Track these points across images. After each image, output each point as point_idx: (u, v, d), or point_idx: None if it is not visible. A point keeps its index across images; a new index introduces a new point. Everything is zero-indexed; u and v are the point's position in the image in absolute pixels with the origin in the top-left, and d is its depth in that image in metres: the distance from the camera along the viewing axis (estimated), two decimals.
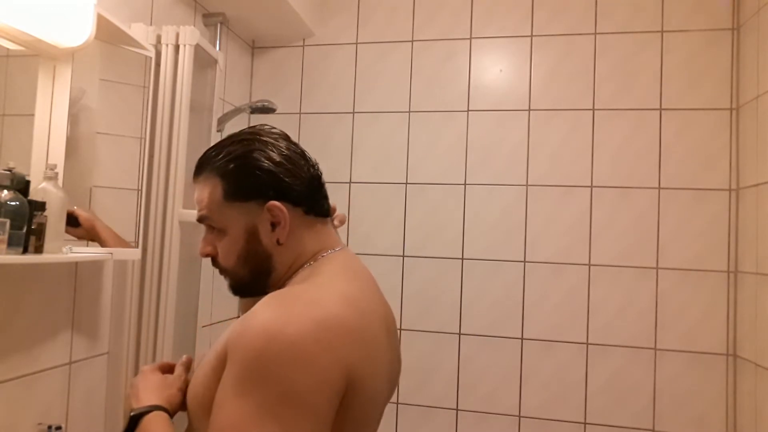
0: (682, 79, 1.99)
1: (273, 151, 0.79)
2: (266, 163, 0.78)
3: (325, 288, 0.74)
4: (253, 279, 0.81)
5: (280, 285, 0.81)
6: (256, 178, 0.77)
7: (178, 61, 1.56)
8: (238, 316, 0.81)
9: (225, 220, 0.79)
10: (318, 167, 0.84)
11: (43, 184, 1.15)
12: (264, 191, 0.77)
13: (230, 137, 0.82)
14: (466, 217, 2.14)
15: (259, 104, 1.97)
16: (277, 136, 0.82)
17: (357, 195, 2.22)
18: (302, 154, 0.82)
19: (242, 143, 0.80)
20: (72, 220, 1.25)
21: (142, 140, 1.49)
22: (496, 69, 2.16)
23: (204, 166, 0.82)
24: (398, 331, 2.15)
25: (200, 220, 0.82)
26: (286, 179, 0.78)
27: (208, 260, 0.85)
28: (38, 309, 1.28)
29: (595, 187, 2.04)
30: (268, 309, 0.68)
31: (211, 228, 0.82)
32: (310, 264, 0.80)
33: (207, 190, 0.80)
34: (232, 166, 0.78)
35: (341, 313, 0.69)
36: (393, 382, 0.86)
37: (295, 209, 0.79)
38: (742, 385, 1.85)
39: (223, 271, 0.83)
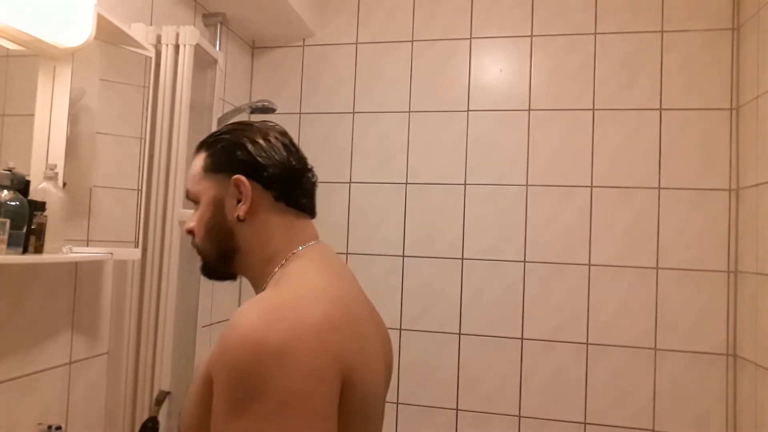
0: (682, 79, 1.99)
1: (257, 135, 0.82)
2: (245, 141, 0.80)
3: (299, 286, 0.72)
4: (218, 257, 0.82)
5: (255, 282, 0.82)
6: (232, 153, 0.80)
7: (178, 61, 1.56)
8: None
9: (199, 191, 0.82)
10: (305, 163, 0.84)
11: (43, 184, 1.15)
12: (236, 166, 0.79)
13: (227, 124, 0.87)
14: (466, 217, 2.13)
15: (259, 104, 1.98)
16: (272, 125, 0.85)
17: (357, 195, 2.22)
18: (288, 146, 0.83)
19: (234, 124, 0.85)
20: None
21: (142, 140, 1.49)
22: (496, 69, 2.16)
23: (200, 145, 0.86)
24: (398, 331, 2.15)
25: (186, 194, 0.86)
26: (260, 159, 0.79)
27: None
28: (38, 309, 1.28)
29: (595, 187, 2.04)
30: (244, 321, 0.65)
31: (194, 204, 0.85)
32: (282, 265, 0.79)
33: (194, 163, 0.84)
34: (215, 141, 0.83)
35: (322, 309, 0.68)
36: (388, 370, 0.85)
37: (266, 192, 0.80)
38: (742, 385, 1.85)
39: (196, 248, 0.85)
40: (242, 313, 0.67)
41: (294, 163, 0.82)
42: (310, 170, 0.85)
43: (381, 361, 0.78)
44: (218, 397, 0.64)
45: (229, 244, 0.80)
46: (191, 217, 0.85)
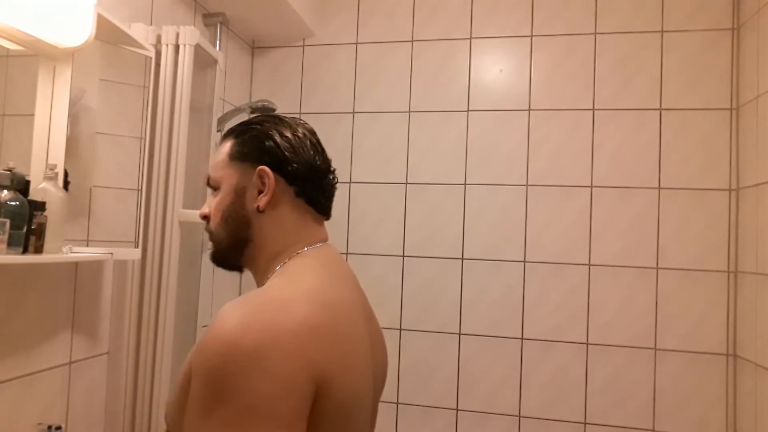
0: (682, 79, 1.99)
1: (287, 129, 0.82)
2: (274, 133, 0.81)
3: (290, 286, 0.72)
4: (230, 245, 0.82)
5: (258, 276, 0.82)
6: (260, 144, 0.80)
7: (178, 61, 1.56)
8: None
9: (221, 177, 0.82)
10: (329, 164, 0.85)
11: (43, 184, 1.15)
12: (261, 157, 0.80)
13: (259, 115, 0.87)
14: (466, 217, 2.13)
15: (259, 104, 1.97)
16: (302, 122, 0.86)
17: (357, 195, 2.22)
18: (315, 145, 0.84)
19: (266, 116, 0.86)
20: None
21: (142, 140, 1.49)
22: (496, 69, 2.16)
23: (229, 131, 0.86)
24: (398, 331, 2.15)
25: (207, 180, 0.86)
26: (286, 153, 0.80)
27: (209, 260, 0.87)
28: (38, 309, 1.28)
29: (595, 187, 2.04)
30: (223, 320, 0.65)
31: (213, 190, 0.84)
32: (285, 263, 0.79)
33: (221, 149, 0.84)
34: (245, 130, 0.83)
35: (305, 313, 0.67)
36: (381, 377, 0.84)
37: (288, 187, 0.80)
38: (742, 385, 1.85)
39: (209, 234, 0.85)
40: (225, 311, 0.67)
41: (319, 162, 0.83)
42: (333, 172, 0.85)
43: (370, 367, 0.76)
44: (192, 393, 0.64)
45: (243, 234, 0.80)
46: (207, 203, 0.85)
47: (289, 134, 0.81)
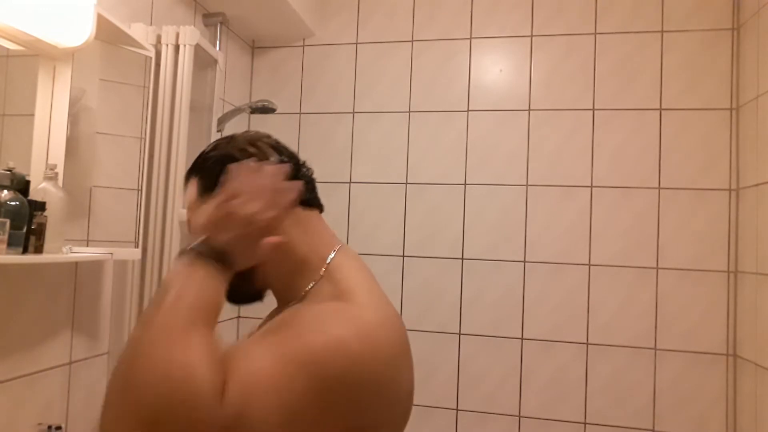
0: (682, 79, 1.99)
1: (243, 143, 0.79)
2: (233, 152, 0.77)
3: (367, 303, 0.69)
4: (237, 275, 0.74)
5: (283, 291, 0.78)
6: (224, 167, 0.75)
7: (178, 61, 1.56)
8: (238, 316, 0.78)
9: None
10: (297, 158, 0.82)
11: (43, 184, 1.15)
12: None
13: (213, 142, 0.84)
14: (466, 217, 2.13)
15: (259, 104, 1.98)
16: (254, 132, 0.82)
17: (357, 195, 2.22)
18: (275, 146, 0.80)
19: (216, 141, 0.82)
20: None
21: (142, 140, 1.49)
22: (496, 69, 2.16)
23: (188, 172, 0.82)
24: None
25: (188, 226, 0.82)
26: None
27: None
28: (38, 309, 1.28)
29: (595, 187, 2.04)
30: (338, 328, 0.63)
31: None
32: (326, 276, 0.74)
33: (188, 192, 0.81)
34: (203, 161, 0.79)
35: (394, 326, 0.69)
36: None
37: None
38: (742, 385, 1.85)
39: None
40: (329, 320, 0.65)
41: (287, 160, 0.79)
42: (304, 164, 0.82)
43: None
44: (294, 395, 0.60)
45: None
46: None
47: (248, 147, 0.78)
